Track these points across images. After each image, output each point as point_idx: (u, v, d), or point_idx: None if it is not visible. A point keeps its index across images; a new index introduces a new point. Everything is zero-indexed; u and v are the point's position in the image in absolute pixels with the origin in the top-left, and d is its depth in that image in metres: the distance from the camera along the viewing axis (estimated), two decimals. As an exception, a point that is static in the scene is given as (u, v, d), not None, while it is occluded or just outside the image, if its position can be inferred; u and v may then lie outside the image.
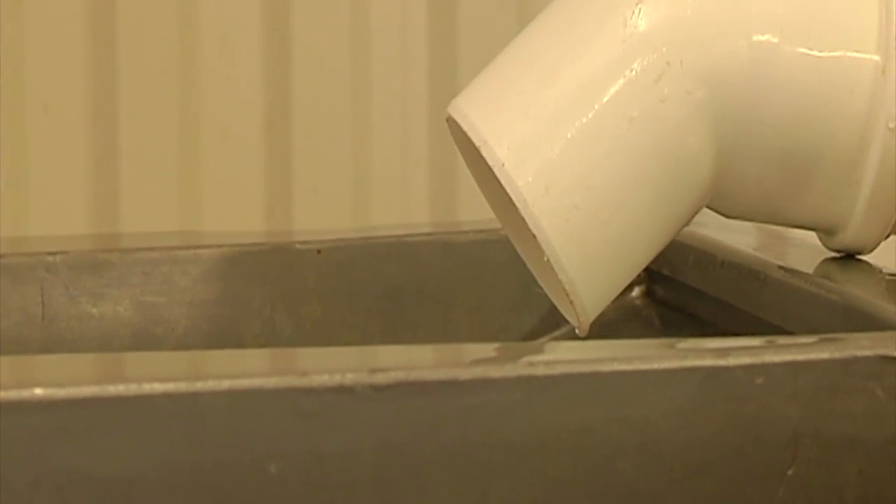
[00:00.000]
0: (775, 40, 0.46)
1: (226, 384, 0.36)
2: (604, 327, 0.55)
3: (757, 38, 0.46)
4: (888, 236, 0.49)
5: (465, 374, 0.38)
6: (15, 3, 1.06)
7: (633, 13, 0.46)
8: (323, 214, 1.11)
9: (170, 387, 0.36)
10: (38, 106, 1.09)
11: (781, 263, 0.51)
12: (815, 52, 0.47)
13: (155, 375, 0.37)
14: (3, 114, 1.08)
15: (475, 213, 0.59)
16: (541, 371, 0.38)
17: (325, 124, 1.12)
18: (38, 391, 0.35)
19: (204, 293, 0.62)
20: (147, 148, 1.12)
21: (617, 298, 0.54)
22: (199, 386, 0.36)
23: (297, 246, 0.64)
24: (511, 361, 0.40)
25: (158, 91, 1.12)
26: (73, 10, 1.10)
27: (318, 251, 0.64)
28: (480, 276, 0.63)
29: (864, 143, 0.46)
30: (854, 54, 0.46)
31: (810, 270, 0.50)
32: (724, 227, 0.56)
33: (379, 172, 1.13)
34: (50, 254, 0.62)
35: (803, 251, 0.53)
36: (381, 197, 1.13)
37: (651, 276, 0.60)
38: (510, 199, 0.45)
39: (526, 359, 0.41)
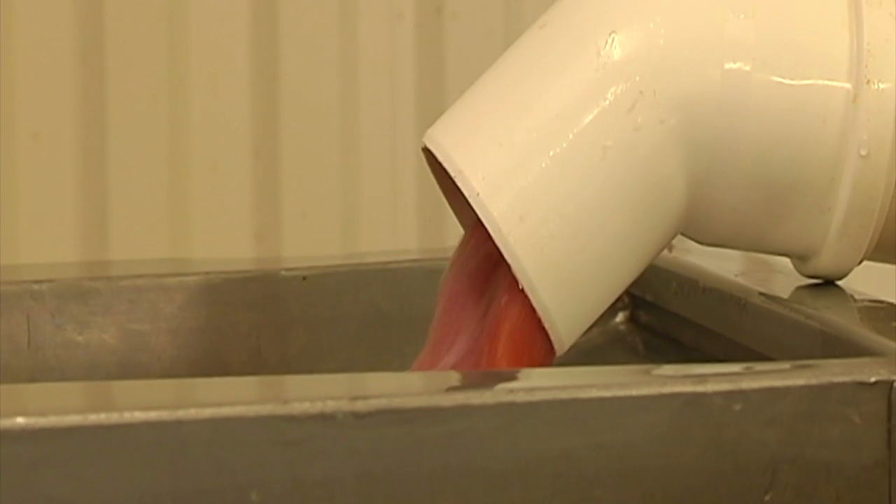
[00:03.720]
0: (747, 68, 0.46)
1: (207, 412, 0.36)
2: (588, 353, 0.55)
3: (729, 65, 0.46)
4: (861, 262, 0.49)
5: (445, 401, 0.38)
6: (4, 30, 1.06)
7: (607, 42, 0.46)
8: (311, 241, 1.10)
9: (152, 415, 0.36)
10: (27, 134, 1.08)
11: (762, 290, 0.51)
12: (787, 81, 0.46)
13: (137, 404, 0.37)
14: None
15: (462, 239, 0.58)
16: (520, 398, 0.38)
17: (313, 151, 1.12)
18: (21, 420, 0.35)
19: (190, 321, 0.62)
20: (136, 175, 1.11)
21: (601, 324, 0.54)
22: (181, 414, 0.36)
23: (283, 273, 0.63)
24: (491, 388, 0.40)
25: (147, 119, 1.12)
26: (63, 37, 1.09)
27: (304, 278, 0.63)
28: (466, 302, 0.62)
29: (837, 171, 0.46)
30: (826, 82, 0.46)
31: (787, 296, 0.50)
32: (709, 253, 0.56)
33: (367, 199, 1.12)
34: (36, 282, 0.61)
35: (786, 277, 0.53)
36: (369, 223, 1.12)
37: (635, 301, 0.60)
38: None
39: (506, 385, 0.41)
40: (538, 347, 0.46)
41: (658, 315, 0.59)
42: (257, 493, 0.36)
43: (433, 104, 1.03)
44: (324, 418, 0.37)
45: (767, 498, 0.39)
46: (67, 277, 0.63)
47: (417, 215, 1.11)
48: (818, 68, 0.47)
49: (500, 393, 0.39)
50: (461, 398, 0.38)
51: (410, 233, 1.10)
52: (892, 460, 0.40)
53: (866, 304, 0.48)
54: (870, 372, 0.40)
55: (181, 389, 0.45)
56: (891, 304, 0.48)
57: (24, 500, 0.35)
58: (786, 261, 0.52)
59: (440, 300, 0.51)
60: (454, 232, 0.56)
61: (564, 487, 0.38)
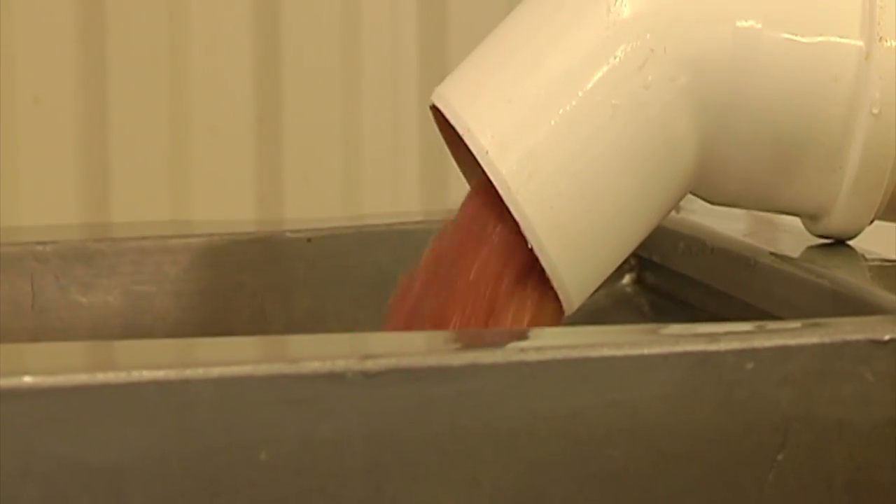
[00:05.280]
0: (759, 26, 0.46)
1: (215, 371, 0.36)
2: (594, 314, 0.55)
3: (740, 23, 0.46)
4: (872, 221, 0.49)
5: (455, 360, 0.38)
6: (4, -6, 1.06)
7: (617, 0, 0.46)
8: (314, 204, 1.11)
9: (159, 374, 0.36)
10: (27, 97, 1.09)
11: (771, 249, 0.51)
12: (799, 38, 0.46)
13: (144, 363, 0.37)
14: None
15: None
16: (531, 357, 0.39)
17: (315, 114, 1.13)
18: (28, 379, 0.35)
19: (194, 283, 0.62)
20: (137, 138, 1.12)
21: (607, 286, 0.54)
22: (189, 373, 0.36)
23: (288, 235, 0.64)
24: (501, 347, 0.40)
25: (148, 82, 1.12)
26: (63, 1, 1.10)
27: (309, 240, 0.64)
28: (470, 263, 0.62)
29: (848, 129, 0.46)
30: (838, 40, 0.46)
31: (798, 256, 0.50)
32: (714, 213, 0.56)
33: (369, 161, 1.13)
34: (40, 243, 0.62)
35: (793, 237, 0.53)
36: (371, 186, 1.13)
37: (641, 263, 0.60)
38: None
39: (516, 344, 0.41)
40: (547, 306, 0.47)
41: (665, 276, 0.59)
42: (266, 453, 0.36)
43: (435, 66, 1.03)
44: (333, 377, 0.37)
45: (780, 457, 0.39)
46: (71, 239, 0.63)
47: (420, 177, 1.12)
48: (830, 26, 0.47)
49: (510, 352, 0.39)
50: (470, 357, 0.38)
51: (413, 195, 1.10)
52: None
53: (877, 263, 0.48)
54: (883, 330, 0.40)
55: (188, 349, 0.46)
56: None
57: (30, 458, 0.35)
58: (793, 220, 0.52)
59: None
60: (457, 194, 0.56)
61: (575, 447, 0.38)
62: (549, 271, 0.45)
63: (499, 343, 0.42)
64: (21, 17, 1.08)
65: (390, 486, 0.37)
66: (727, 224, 0.56)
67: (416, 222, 0.66)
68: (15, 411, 0.35)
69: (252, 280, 0.62)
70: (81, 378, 0.36)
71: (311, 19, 1.10)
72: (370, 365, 0.37)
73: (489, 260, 0.49)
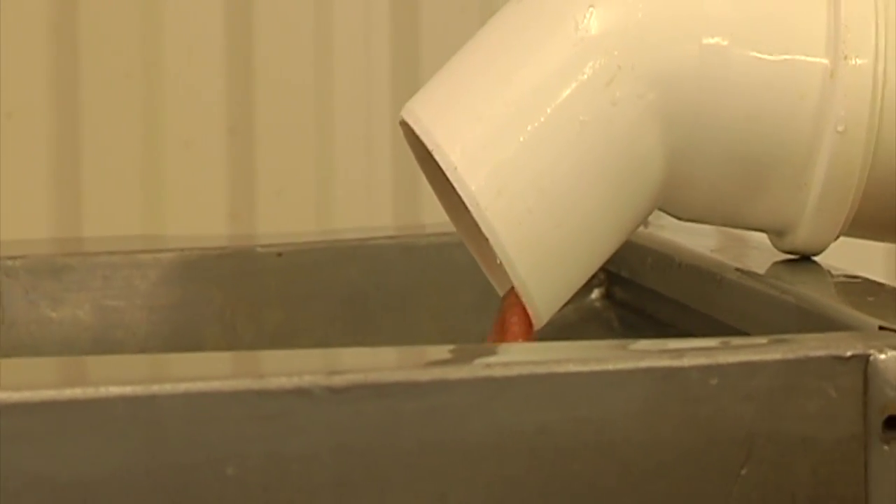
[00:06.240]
0: (725, 43, 0.46)
1: (183, 387, 0.36)
2: (564, 329, 0.54)
3: (707, 41, 0.46)
4: (838, 237, 0.49)
5: (422, 375, 0.38)
6: (-25, 9, 1.05)
7: (585, 17, 0.45)
8: (286, 219, 1.10)
9: (127, 390, 0.36)
10: (0, 113, 1.08)
11: (738, 265, 0.51)
12: (766, 56, 0.46)
13: (113, 379, 0.37)
14: None
15: (438, 215, 0.59)
16: (498, 372, 0.38)
17: (288, 128, 1.12)
18: None
19: (164, 297, 0.62)
20: (110, 153, 1.11)
21: (576, 300, 0.54)
22: (157, 389, 0.36)
23: (258, 249, 0.64)
24: (468, 363, 0.40)
25: (121, 96, 1.11)
26: (36, 15, 1.09)
27: (279, 254, 0.63)
28: (442, 279, 0.63)
29: (814, 147, 0.46)
30: (804, 58, 0.46)
31: (764, 272, 0.50)
32: (683, 229, 0.55)
33: (342, 176, 1.12)
34: (10, 258, 0.62)
35: (760, 253, 0.53)
36: (344, 201, 1.12)
37: (610, 277, 0.60)
38: (464, 201, 0.45)
39: (483, 360, 0.41)
40: (516, 322, 0.47)
41: (634, 291, 0.58)
42: (233, 468, 0.36)
43: (408, 81, 1.03)
44: (300, 393, 0.36)
45: (744, 472, 0.39)
46: (41, 254, 0.63)
47: (392, 193, 1.11)
48: (796, 44, 0.47)
49: (477, 368, 0.39)
50: (438, 373, 0.38)
51: (385, 210, 1.09)
52: (867, 434, 0.40)
53: (842, 279, 0.48)
54: (846, 346, 0.40)
55: (156, 364, 0.45)
56: (867, 280, 0.48)
57: (1, 474, 0.35)
58: (761, 236, 0.52)
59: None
60: (428, 208, 0.56)
61: (541, 462, 0.38)
62: (517, 287, 0.45)
63: (466, 359, 0.42)
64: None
65: (358, 500, 0.37)
66: (697, 240, 0.56)
67: (388, 237, 0.66)
68: None
69: (222, 294, 0.62)
70: (50, 394, 0.36)
71: (284, 34, 1.10)
72: (337, 380, 0.36)
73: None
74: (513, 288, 0.47)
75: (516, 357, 0.42)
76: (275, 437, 0.36)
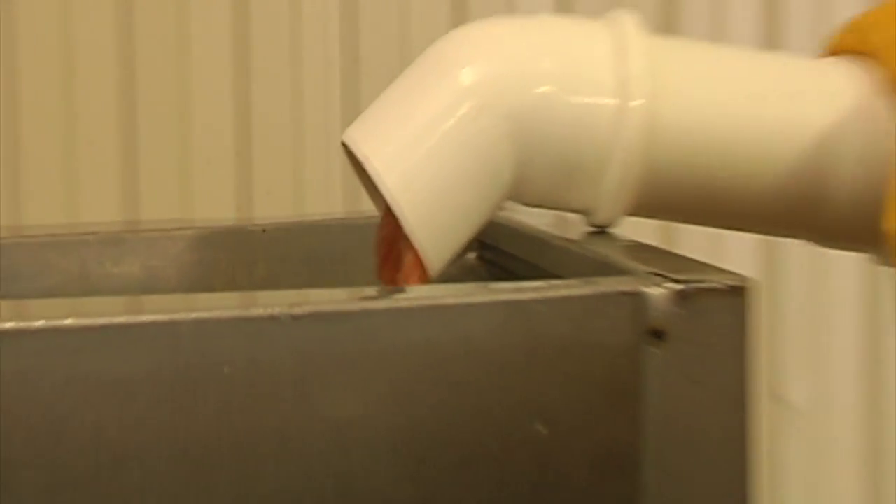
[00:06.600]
0: (550, 91, 0.45)
1: (193, 315, 0.36)
2: (448, 279, 0.53)
3: (538, 90, 0.45)
4: (623, 217, 0.49)
5: (352, 306, 0.38)
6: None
7: (462, 73, 0.45)
8: (272, 209, 1.08)
9: (159, 317, 0.36)
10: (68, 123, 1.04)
11: (562, 235, 0.51)
12: (577, 99, 0.45)
13: (154, 309, 0.38)
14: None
15: (371, 205, 0.57)
16: (403, 304, 0.39)
17: (274, 143, 1.09)
18: (69, 321, 0.35)
19: (188, 259, 0.62)
20: (164, 157, 1.07)
21: (457, 261, 0.52)
22: (178, 317, 0.36)
23: (250, 227, 0.63)
24: (384, 298, 0.40)
25: (166, 113, 1.06)
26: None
27: (264, 230, 0.63)
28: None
29: (608, 160, 0.45)
30: (602, 100, 0.45)
31: (578, 238, 0.49)
32: (527, 212, 0.52)
33: (310, 177, 1.10)
34: (86, 234, 0.61)
35: (576, 227, 0.50)
36: (311, 193, 1.10)
37: (482, 245, 0.58)
38: (383, 195, 0.45)
39: (394, 296, 0.41)
40: (416, 273, 0.46)
41: (497, 253, 0.58)
42: (228, 368, 0.36)
43: (354, 108, 0.99)
44: (272, 319, 0.37)
45: (566, 368, 0.39)
46: (106, 231, 0.62)
47: (343, 187, 1.09)
48: (597, 90, 0.46)
49: (390, 301, 0.40)
50: (362, 305, 0.38)
51: (338, 200, 1.07)
52: (640, 341, 0.39)
53: (627, 243, 0.48)
54: (628, 285, 0.40)
55: (178, 301, 0.44)
56: (642, 244, 0.48)
57: (72, 374, 0.35)
58: (578, 216, 0.50)
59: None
60: (367, 200, 0.55)
61: (428, 363, 0.38)
62: (419, 250, 0.45)
63: (382, 295, 0.41)
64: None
65: (310, 391, 0.37)
66: (535, 219, 0.53)
67: (338, 219, 0.66)
68: (60, 342, 0.35)
69: (226, 257, 0.62)
70: (105, 320, 0.36)
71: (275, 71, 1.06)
72: (296, 311, 0.37)
73: (397, 240, 0.47)
74: (411, 245, 0.46)
75: (416, 294, 0.42)
76: (255, 348, 0.36)
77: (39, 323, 0.35)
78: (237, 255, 0.63)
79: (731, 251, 0.96)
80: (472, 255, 0.60)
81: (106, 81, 1.07)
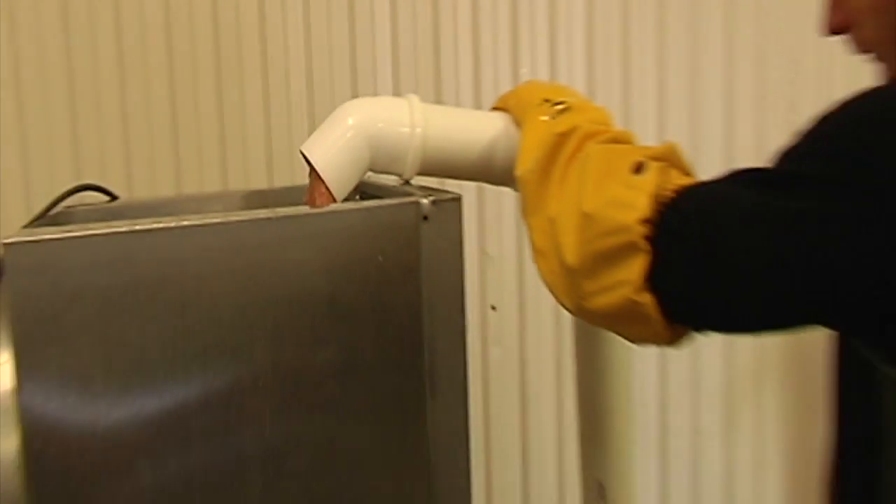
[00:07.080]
0: (384, 125, 0.68)
1: (173, 224, 0.48)
2: None
3: (379, 125, 0.70)
4: (417, 176, 0.72)
5: (243, 217, 0.50)
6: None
7: (349, 119, 0.70)
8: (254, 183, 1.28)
9: (148, 226, 0.47)
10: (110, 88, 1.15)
11: (390, 184, 0.73)
12: (394, 128, 0.70)
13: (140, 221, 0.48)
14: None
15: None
16: (281, 215, 0.51)
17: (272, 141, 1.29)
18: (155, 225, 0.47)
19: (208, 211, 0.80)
20: (198, 144, 1.24)
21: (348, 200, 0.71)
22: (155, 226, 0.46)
23: (242, 194, 0.89)
24: (266, 212, 0.52)
25: (213, 106, 1.23)
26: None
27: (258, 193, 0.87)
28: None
29: (407, 153, 0.71)
30: (404, 128, 0.71)
31: (396, 184, 0.73)
32: (378, 177, 0.77)
33: (255, 160, 1.30)
34: (140, 204, 0.85)
35: (396, 181, 0.71)
36: (250, 170, 1.28)
37: (362, 193, 0.81)
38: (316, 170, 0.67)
39: (276, 210, 0.55)
40: (326, 199, 0.67)
41: (366, 196, 0.77)
42: (194, 269, 0.45)
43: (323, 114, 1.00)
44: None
45: (377, 249, 0.53)
46: (159, 198, 0.86)
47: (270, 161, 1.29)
48: (402, 124, 0.68)
49: (273, 213, 0.53)
50: (247, 216, 0.52)
51: (282, 173, 1.32)
52: (418, 224, 0.58)
53: (416, 186, 0.71)
54: (413, 198, 0.57)
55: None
56: (422, 185, 0.72)
57: (82, 283, 0.44)
58: (396, 177, 0.73)
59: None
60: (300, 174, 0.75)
61: (265, 266, 0.54)
62: (331, 190, 0.65)
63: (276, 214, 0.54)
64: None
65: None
66: (384, 180, 0.78)
67: (284, 189, 0.90)
68: (63, 255, 0.43)
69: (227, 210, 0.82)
70: (109, 229, 0.46)
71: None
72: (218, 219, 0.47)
73: (318, 186, 0.67)
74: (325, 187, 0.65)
75: (304, 211, 0.58)
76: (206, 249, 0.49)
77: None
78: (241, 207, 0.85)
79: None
80: (357, 197, 0.80)
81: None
